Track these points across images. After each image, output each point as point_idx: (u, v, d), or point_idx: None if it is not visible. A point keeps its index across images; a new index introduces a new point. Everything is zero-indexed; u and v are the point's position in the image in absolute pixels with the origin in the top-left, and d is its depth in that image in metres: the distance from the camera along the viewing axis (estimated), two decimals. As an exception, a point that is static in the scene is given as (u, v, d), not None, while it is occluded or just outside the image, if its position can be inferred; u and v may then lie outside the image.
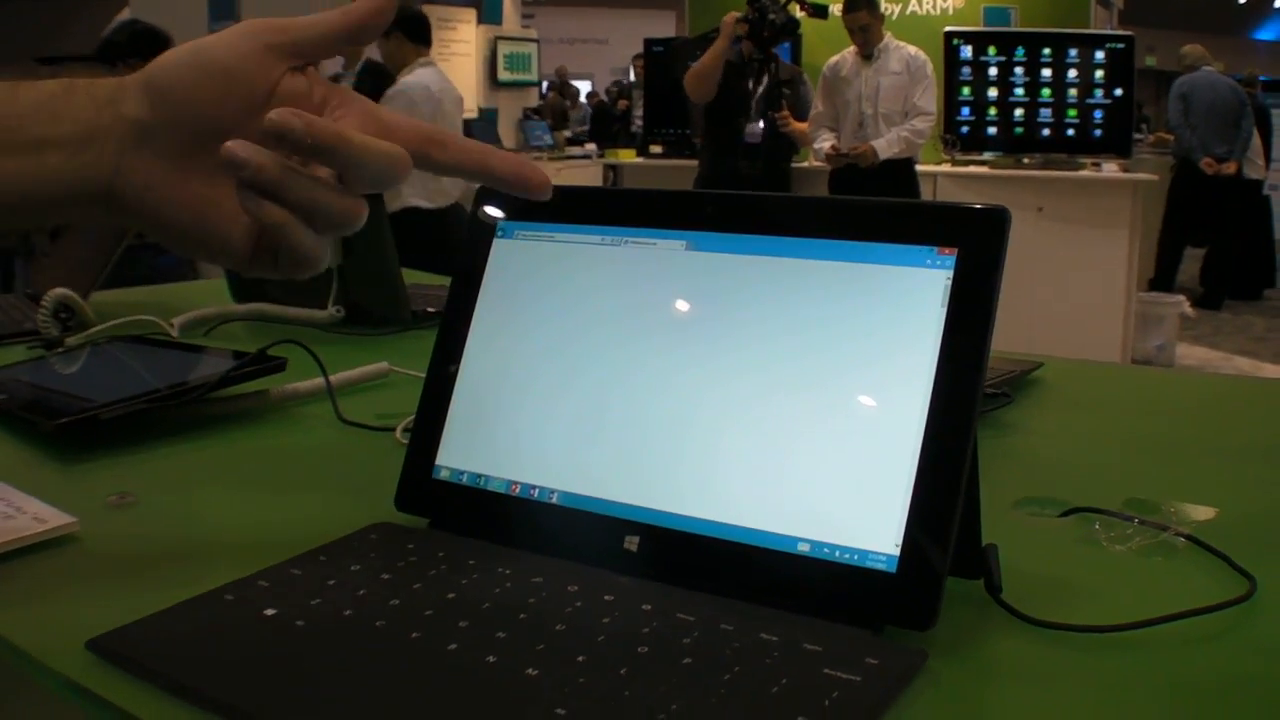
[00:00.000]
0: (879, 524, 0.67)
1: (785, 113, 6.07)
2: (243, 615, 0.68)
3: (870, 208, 0.75)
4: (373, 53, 6.03)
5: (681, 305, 0.77)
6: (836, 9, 6.21)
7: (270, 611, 0.68)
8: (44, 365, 1.35)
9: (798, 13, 6.14)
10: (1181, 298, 7.29)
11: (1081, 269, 6.43)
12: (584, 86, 13.89)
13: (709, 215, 0.78)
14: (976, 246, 0.69)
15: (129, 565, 0.81)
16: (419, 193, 5.19)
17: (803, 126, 6.24)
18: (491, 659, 0.61)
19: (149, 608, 0.69)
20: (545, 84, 13.70)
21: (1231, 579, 0.76)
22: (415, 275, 2.04)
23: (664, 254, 0.79)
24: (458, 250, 0.86)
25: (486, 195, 0.88)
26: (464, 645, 0.63)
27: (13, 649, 0.68)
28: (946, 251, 0.70)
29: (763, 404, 0.73)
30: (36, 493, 0.90)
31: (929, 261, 0.70)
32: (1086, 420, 1.24)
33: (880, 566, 0.66)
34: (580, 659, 0.61)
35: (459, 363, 0.84)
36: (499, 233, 0.86)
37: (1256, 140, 9.63)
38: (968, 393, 0.67)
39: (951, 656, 0.65)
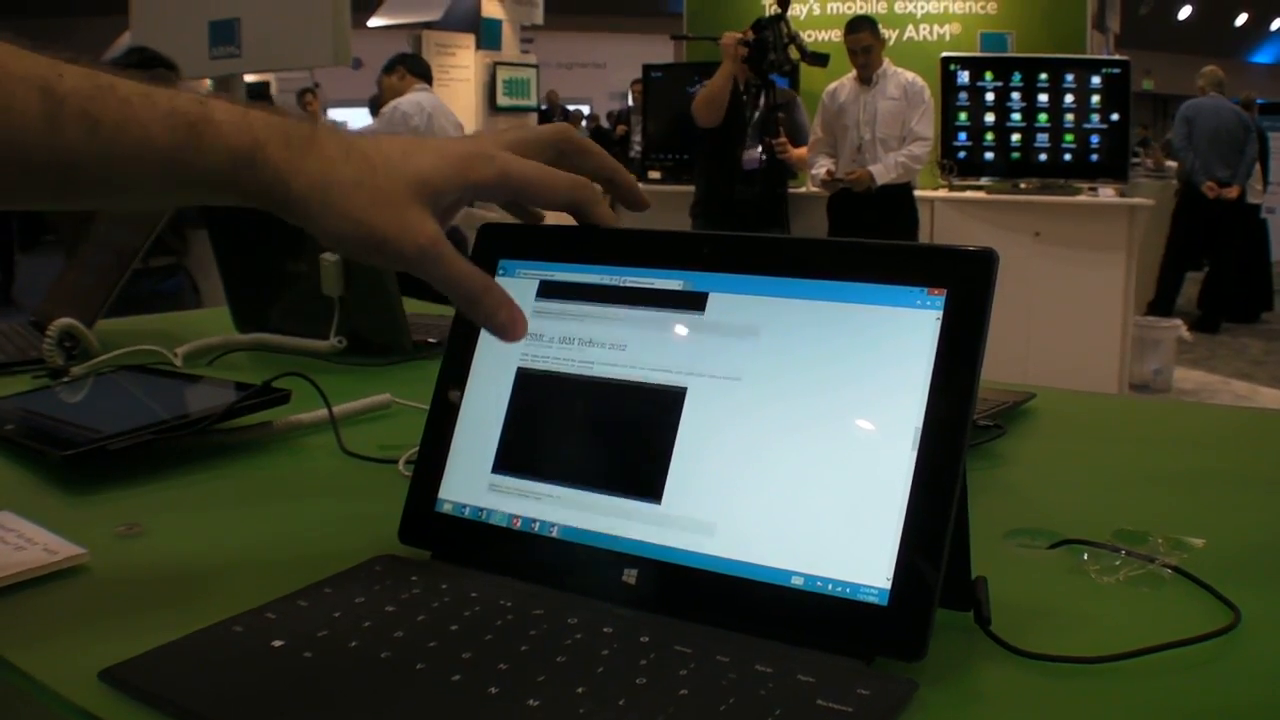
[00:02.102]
0: (871, 558, 0.69)
1: (783, 139, 6.08)
2: (252, 646, 0.69)
3: (861, 249, 0.77)
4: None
5: (677, 343, 0.79)
6: (836, 35, 6.24)
7: (278, 643, 0.69)
8: (50, 395, 1.37)
9: (795, 56, 6.15)
10: (1179, 322, 7.31)
11: (1078, 293, 6.44)
12: (583, 110, 13.91)
13: (705, 255, 0.80)
14: (965, 287, 0.71)
15: (139, 596, 0.83)
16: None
17: (800, 153, 6.26)
18: (494, 690, 0.63)
19: (159, 638, 0.70)
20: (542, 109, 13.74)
21: (1217, 609, 0.78)
22: (416, 305, 2.06)
23: (661, 293, 0.81)
24: None
25: (487, 232, 0.90)
26: (467, 676, 0.65)
27: (27, 679, 0.69)
28: (936, 292, 0.72)
29: (758, 441, 0.75)
30: (45, 523, 0.91)
31: (919, 302, 0.72)
32: (1078, 451, 1.26)
33: (872, 599, 0.68)
34: (580, 690, 0.63)
35: (461, 399, 0.86)
36: (500, 271, 0.88)
37: (1257, 165, 9.66)
38: (957, 430, 0.69)
39: (941, 687, 0.67)
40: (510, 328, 0.77)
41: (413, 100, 5.22)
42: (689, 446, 0.76)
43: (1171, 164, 10.19)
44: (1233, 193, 8.97)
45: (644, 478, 0.77)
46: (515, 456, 0.83)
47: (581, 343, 0.83)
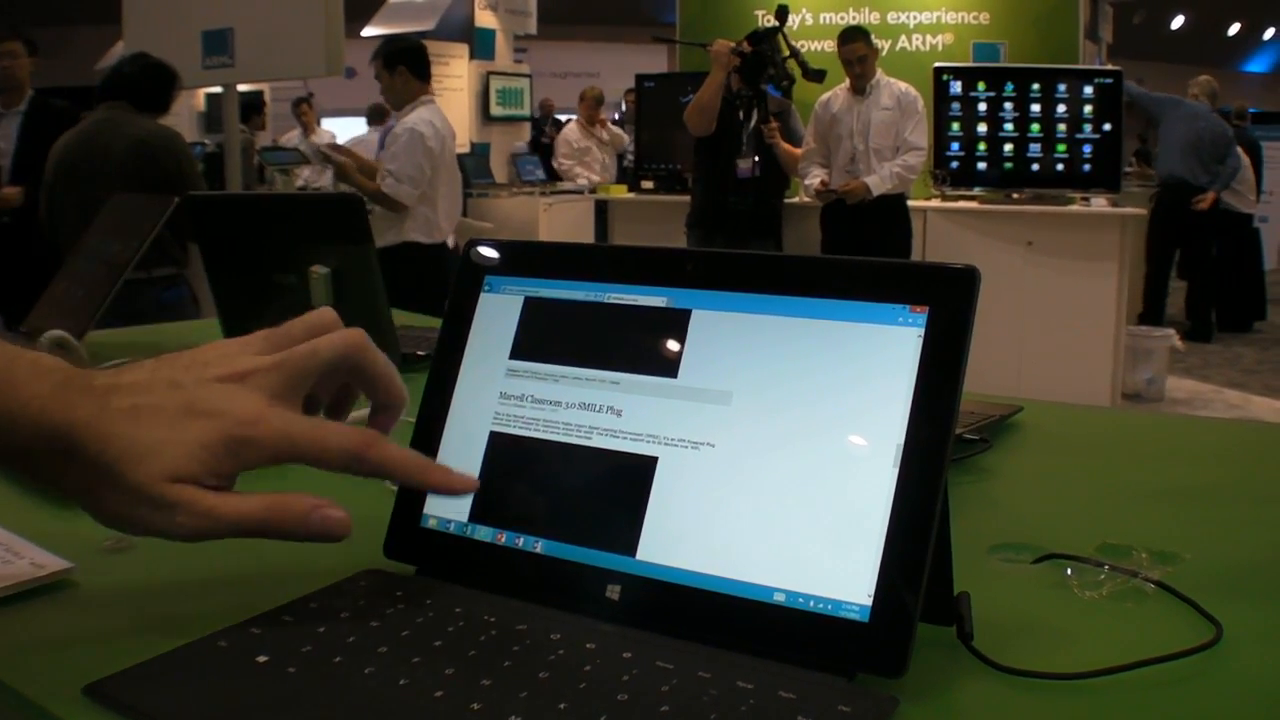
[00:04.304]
0: (852, 575, 0.69)
1: (774, 125, 6.08)
2: (236, 662, 0.70)
3: (843, 266, 0.77)
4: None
5: (661, 360, 0.79)
6: (827, 45, 6.25)
7: (263, 658, 0.70)
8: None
9: (796, 72, 6.15)
10: (1171, 331, 7.32)
11: (1071, 303, 6.46)
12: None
13: (689, 272, 0.81)
14: (947, 305, 0.72)
15: (125, 610, 0.83)
16: (419, 228, 5.22)
17: (792, 149, 6.26)
18: (476, 706, 0.63)
19: (145, 653, 0.71)
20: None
21: (1200, 625, 0.78)
22: (406, 317, 2.06)
23: (645, 310, 0.82)
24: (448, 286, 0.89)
25: (473, 248, 0.90)
26: (450, 692, 0.65)
27: (11, 693, 0.69)
28: (918, 310, 0.72)
29: (740, 457, 0.75)
30: (33, 537, 0.91)
31: (901, 319, 0.72)
32: (1064, 465, 1.26)
33: (853, 616, 0.68)
34: (562, 706, 0.63)
35: (446, 415, 0.87)
36: (486, 287, 0.88)
37: (1249, 174, 9.67)
38: (938, 447, 0.69)
39: (923, 703, 0.67)
40: (324, 530, 0.75)
41: (423, 120, 5.18)
42: (673, 462, 0.77)
43: (1151, 171, 10.20)
44: (1205, 202, 8.95)
45: (628, 493, 0.77)
46: (499, 472, 0.84)
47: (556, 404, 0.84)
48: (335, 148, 6.47)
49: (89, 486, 0.72)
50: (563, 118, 14.07)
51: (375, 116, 10.38)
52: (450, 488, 0.80)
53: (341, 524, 0.75)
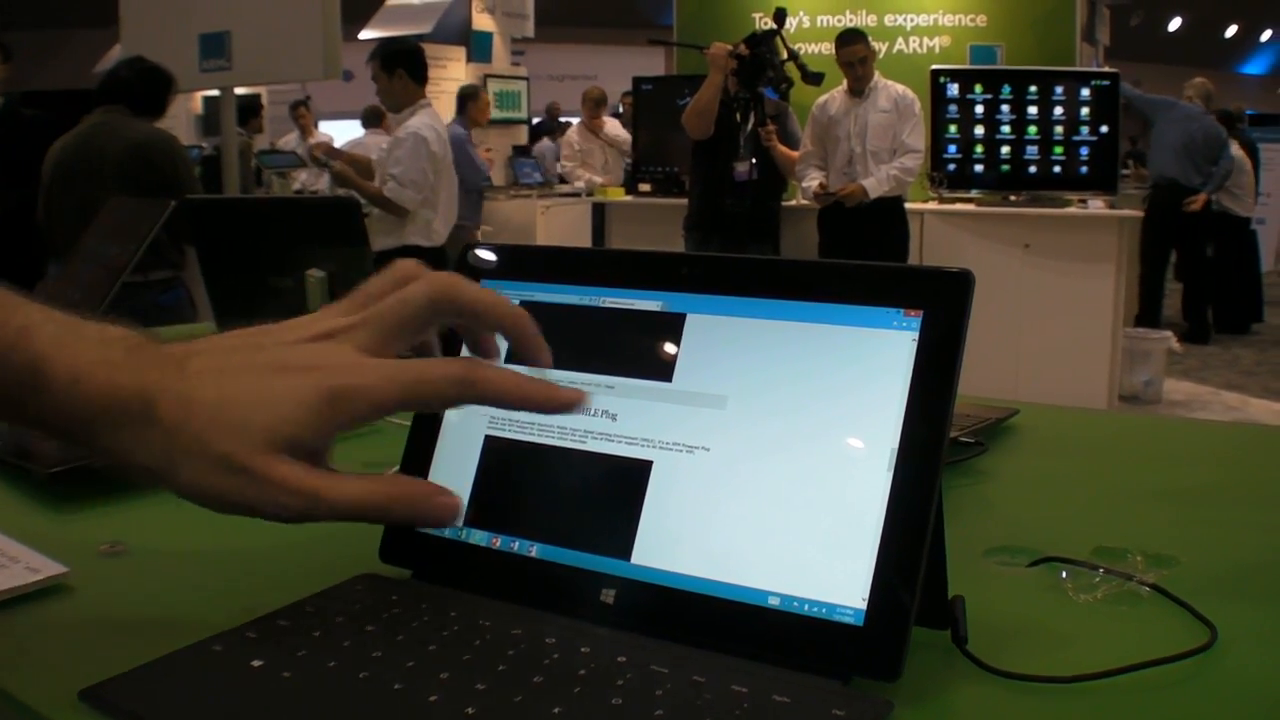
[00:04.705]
0: (847, 579, 0.69)
1: (771, 127, 6.09)
2: (232, 666, 0.70)
3: (838, 270, 0.77)
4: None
5: (656, 364, 0.80)
6: (824, 48, 6.25)
7: (258, 663, 0.70)
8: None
9: (795, 75, 6.15)
10: (1169, 333, 7.33)
11: (1068, 305, 6.46)
12: (573, 122, 13.94)
13: (684, 276, 0.81)
14: (941, 308, 0.72)
15: (120, 615, 0.83)
16: (419, 231, 5.23)
17: (789, 151, 6.27)
18: (470, 710, 0.63)
19: (140, 657, 0.70)
20: (535, 120, 13.75)
21: (1195, 627, 0.78)
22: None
23: (640, 314, 0.82)
24: None
25: (469, 252, 0.90)
26: (444, 697, 0.65)
27: (7, 698, 0.69)
28: (912, 313, 0.72)
29: (735, 461, 0.75)
30: (28, 541, 0.91)
31: (895, 323, 0.73)
32: (1059, 467, 1.26)
33: (848, 620, 0.69)
34: (556, 710, 0.63)
35: (441, 419, 0.87)
36: (482, 291, 0.88)
37: (1249, 178, 9.67)
38: (933, 450, 0.69)
39: (917, 707, 0.67)
40: (438, 518, 0.70)
41: (426, 125, 5.19)
42: (668, 466, 0.77)
43: (1144, 171, 10.20)
44: (1197, 204, 8.95)
45: (622, 497, 0.77)
46: (494, 476, 0.84)
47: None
48: (331, 150, 6.47)
49: (167, 458, 0.66)
50: (562, 120, 14.09)
51: (371, 119, 10.36)
52: (561, 400, 0.70)
53: (452, 509, 0.70)
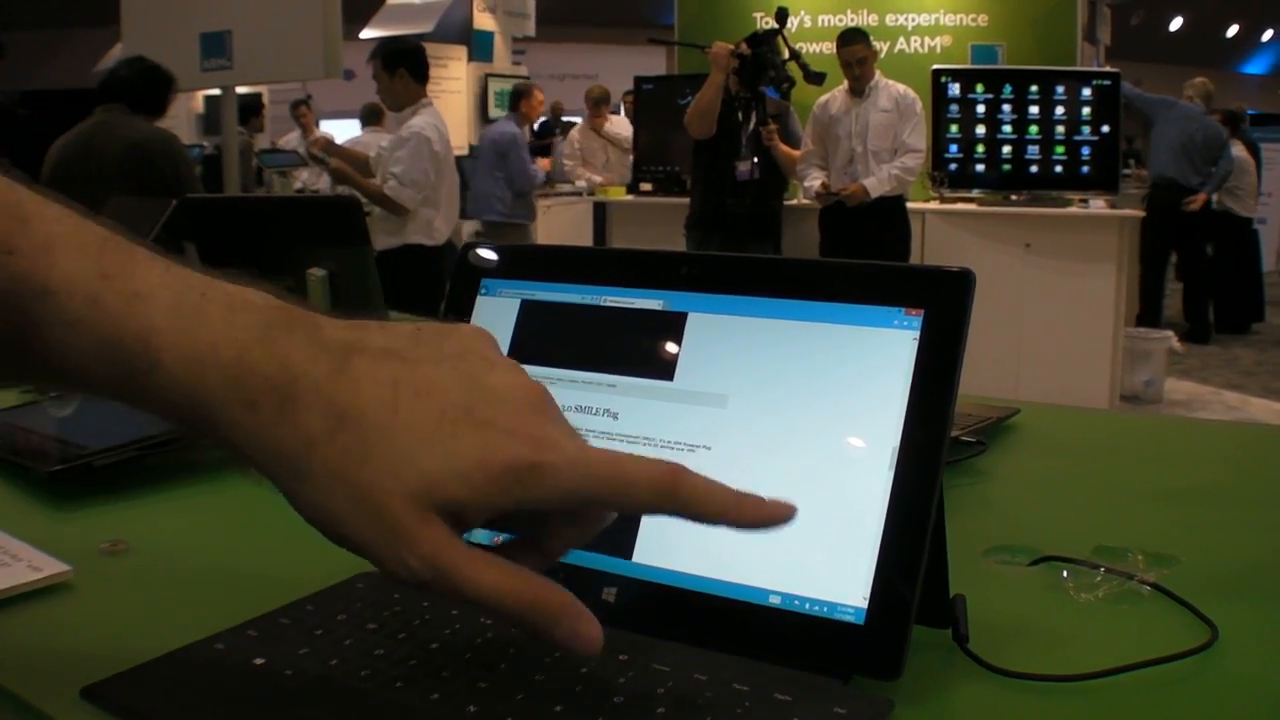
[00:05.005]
0: (847, 577, 0.69)
1: (773, 127, 6.09)
2: (233, 665, 0.70)
3: (839, 269, 0.77)
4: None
5: (657, 363, 0.80)
6: (826, 48, 6.25)
7: (259, 661, 0.70)
8: (38, 409, 1.37)
9: (797, 74, 6.15)
10: (1169, 333, 7.33)
11: (1069, 305, 6.46)
12: (575, 122, 13.95)
13: (685, 275, 0.81)
14: (942, 307, 0.72)
15: (122, 613, 0.83)
16: (421, 231, 5.24)
17: (790, 150, 6.27)
18: (473, 709, 0.63)
19: (142, 655, 0.71)
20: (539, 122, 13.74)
21: (1195, 626, 0.79)
22: (403, 318, 2.06)
23: (642, 313, 0.82)
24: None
25: (470, 251, 0.90)
26: (446, 695, 0.65)
27: (9, 696, 0.69)
28: (913, 312, 0.72)
29: (736, 460, 0.75)
30: (30, 539, 0.91)
31: (896, 322, 0.73)
32: (1060, 467, 1.26)
33: (848, 618, 0.69)
34: (558, 709, 0.63)
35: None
36: (483, 290, 0.88)
37: (1251, 178, 9.67)
38: (934, 449, 0.70)
39: (918, 706, 0.67)
40: (578, 641, 0.58)
41: (429, 124, 5.19)
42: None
43: (1143, 172, 10.19)
44: (1196, 202, 8.95)
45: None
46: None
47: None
48: (329, 145, 6.46)
49: (292, 466, 0.56)
50: (566, 119, 14.10)
51: (369, 118, 10.35)
52: (771, 518, 0.61)
53: (592, 643, 0.58)
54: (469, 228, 9.03)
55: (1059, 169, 6.91)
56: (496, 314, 0.87)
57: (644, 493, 0.58)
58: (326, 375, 0.56)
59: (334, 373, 0.57)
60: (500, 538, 0.68)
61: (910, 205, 6.49)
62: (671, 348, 0.80)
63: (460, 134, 10.13)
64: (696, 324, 0.79)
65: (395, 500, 0.55)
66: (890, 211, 6.21)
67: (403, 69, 5.27)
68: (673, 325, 0.80)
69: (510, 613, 0.57)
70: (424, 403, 0.56)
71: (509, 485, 0.56)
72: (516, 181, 8.24)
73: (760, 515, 0.60)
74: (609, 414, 0.80)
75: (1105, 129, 6.87)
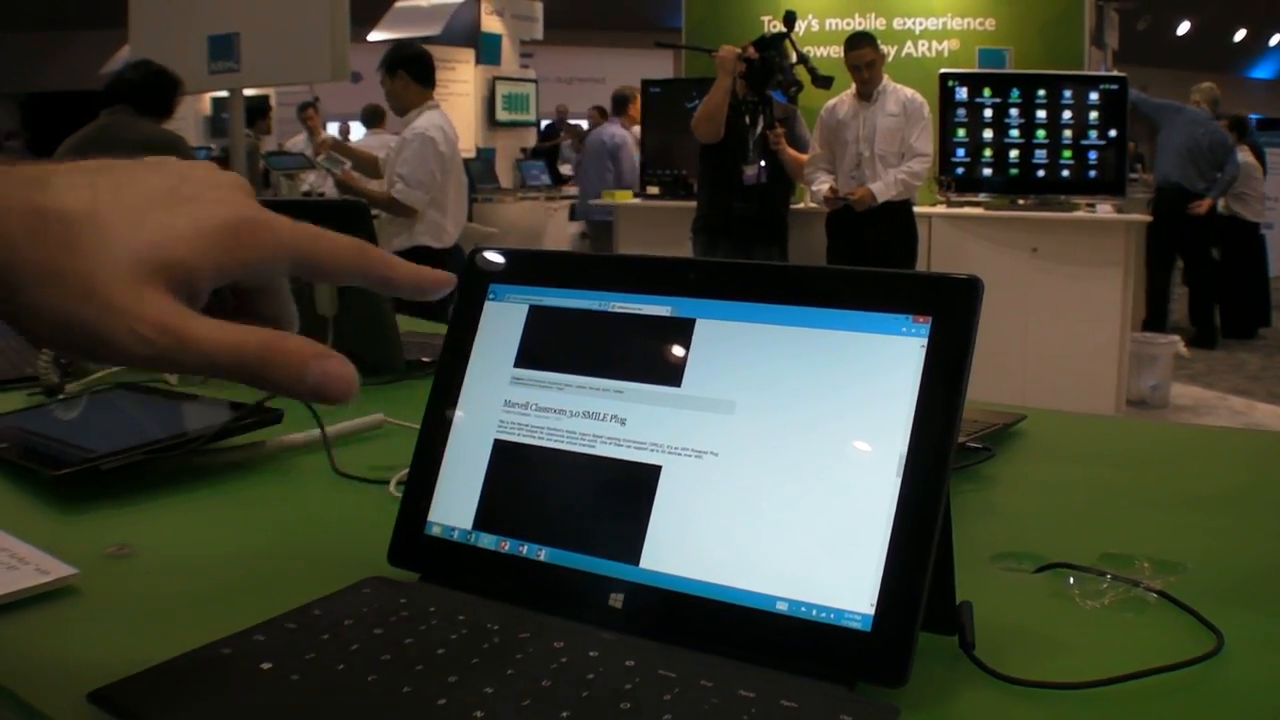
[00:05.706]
0: (854, 584, 0.69)
1: (779, 130, 6.08)
2: (240, 669, 0.70)
3: (847, 276, 0.77)
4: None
5: (665, 369, 0.80)
6: (834, 51, 6.25)
7: (266, 665, 0.70)
8: (44, 413, 1.37)
9: (805, 78, 6.14)
10: (1176, 338, 7.32)
11: (1076, 309, 6.45)
12: (582, 125, 13.96)
13: (693, 281, 0.81)
14: (950, 314, 0.72)
15: (129, 617, 0.83)
16: (429, 233, 5.24)
17: (798, 154, 6.26)
18: (479, 714, 0.63)
19: (149, 660, 0.71)
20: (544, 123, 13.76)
21: (1201, 634, 0.78)
22: (410, 323, 2.06)
23: (650, 319, 0.82)
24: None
25: (478, 255, 0.90)
26: (452, 700, 0.65)
27: (15, 700, 0.70)
28: (921, 319, 0.72)
29: (744, 466, 0.75)
30: (37, 542, 0.92)
31: (904, 329, 0.73)
32: (1066, 473, 1.26)
33: (855, 625, 0.69)
34: (565, 714, 0.63)
35: (451, 423, 0.87)
36: (490, 295, 0.88)
37: (1259, 184, 9.66)
38: (941, 456, 0.70)
39: (924, 712, 0.67)
40: (330, 380, 0.58)
41: (434, 125, 5.20)
42: (676, 471, 0.77)
43: (1148, 176, 10.17)
44: (1202, 207, 8.93)
45: (631, 501, 0.77)
46: (504, 480, 0.84)
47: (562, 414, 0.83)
48: (338, 145, 6.45)
49: (5, 283, 0.53)
50: (571, 123, 14.10)
51: (371, 119, 10.35)
52: (436, 284, 0.65)
53: (344, 381, 0.58)
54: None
55: (1066, 173, 6.89)
56: (504, 319, 0.87)
57: (347, 249, 0.62)
58: (21, 192, 0.55)
59: (29, 187, 0.55)
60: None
61: (917, 209, 6.48)
62: (679, 354, 0.80)
63: (468, 137, 10.13)
64: (704, 330, 0.80)
65: (112, 275, 0.53)
66: (897, 215, 6.19)
67: (403, 71, 5.28)
68: (681, 331, 0.80)
69: (250, 363, 0.56)
70: (126, 192, 0.57)
71: (229, 243, 0.57)
72: (627, 181, 8.25)
73: (428, 278, 0.64)
74: (617, 420, 0.80)
75: (1112, 133, 6.85)
